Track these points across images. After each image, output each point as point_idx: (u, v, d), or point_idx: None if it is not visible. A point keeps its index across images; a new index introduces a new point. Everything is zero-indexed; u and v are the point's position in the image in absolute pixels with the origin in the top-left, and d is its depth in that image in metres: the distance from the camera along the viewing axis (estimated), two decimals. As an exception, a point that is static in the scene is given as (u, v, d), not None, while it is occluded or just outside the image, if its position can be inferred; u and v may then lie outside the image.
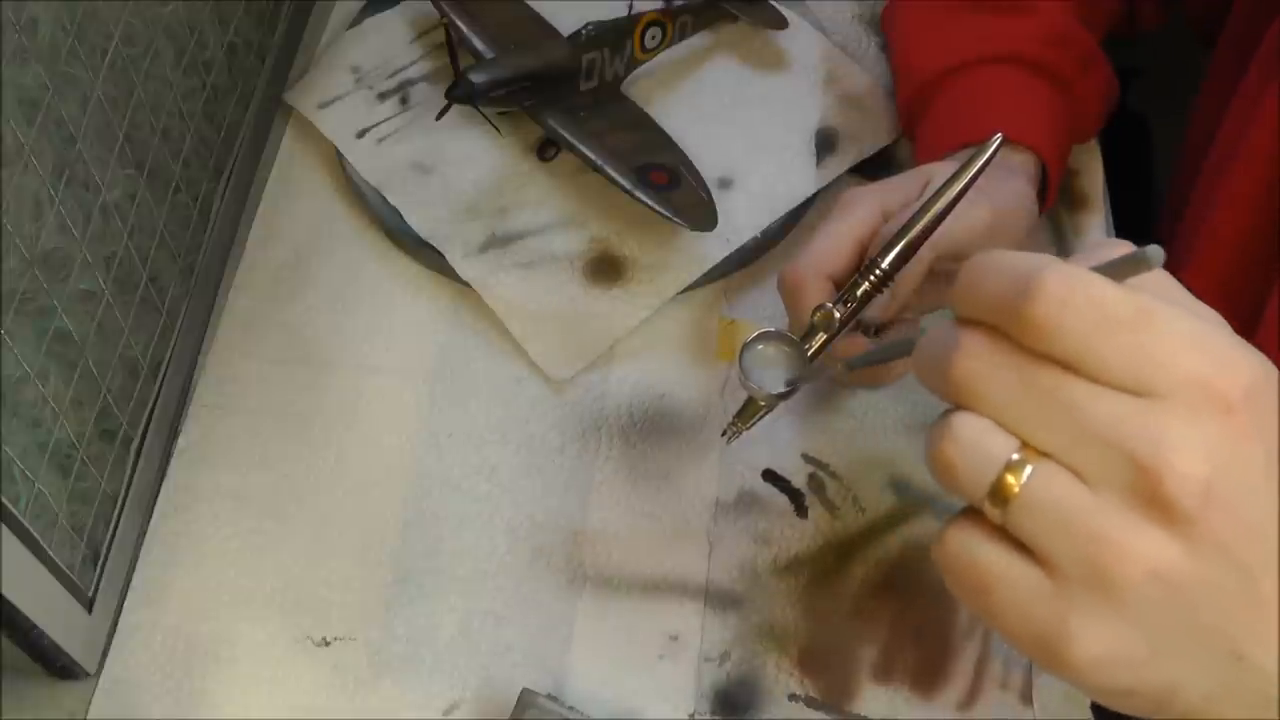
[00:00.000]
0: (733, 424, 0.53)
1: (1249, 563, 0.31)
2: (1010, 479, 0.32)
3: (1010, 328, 0.32)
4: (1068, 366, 0.31)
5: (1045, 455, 0.32)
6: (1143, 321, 0.31)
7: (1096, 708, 0.56)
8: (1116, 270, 0.31)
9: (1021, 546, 0.32)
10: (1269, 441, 0.31)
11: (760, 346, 0.50)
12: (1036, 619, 0.32)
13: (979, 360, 0.32)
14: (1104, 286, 0.31)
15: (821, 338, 0.52)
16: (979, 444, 0.32)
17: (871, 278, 0.51)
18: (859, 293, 0.51)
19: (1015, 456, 0.32)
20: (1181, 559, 0.31)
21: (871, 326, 0.57)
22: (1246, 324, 0.59)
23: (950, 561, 0.34)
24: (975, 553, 0.33)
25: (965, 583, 0.34)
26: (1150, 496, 0.30)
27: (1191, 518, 0.30)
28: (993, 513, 0.32)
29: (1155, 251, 0.30)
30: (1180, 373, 0.30)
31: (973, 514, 0.33)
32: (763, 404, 0.52)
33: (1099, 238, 0.70)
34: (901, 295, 0.54)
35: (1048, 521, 0.32)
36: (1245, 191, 0.60)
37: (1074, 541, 0.31)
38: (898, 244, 0.50)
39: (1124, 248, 0.33)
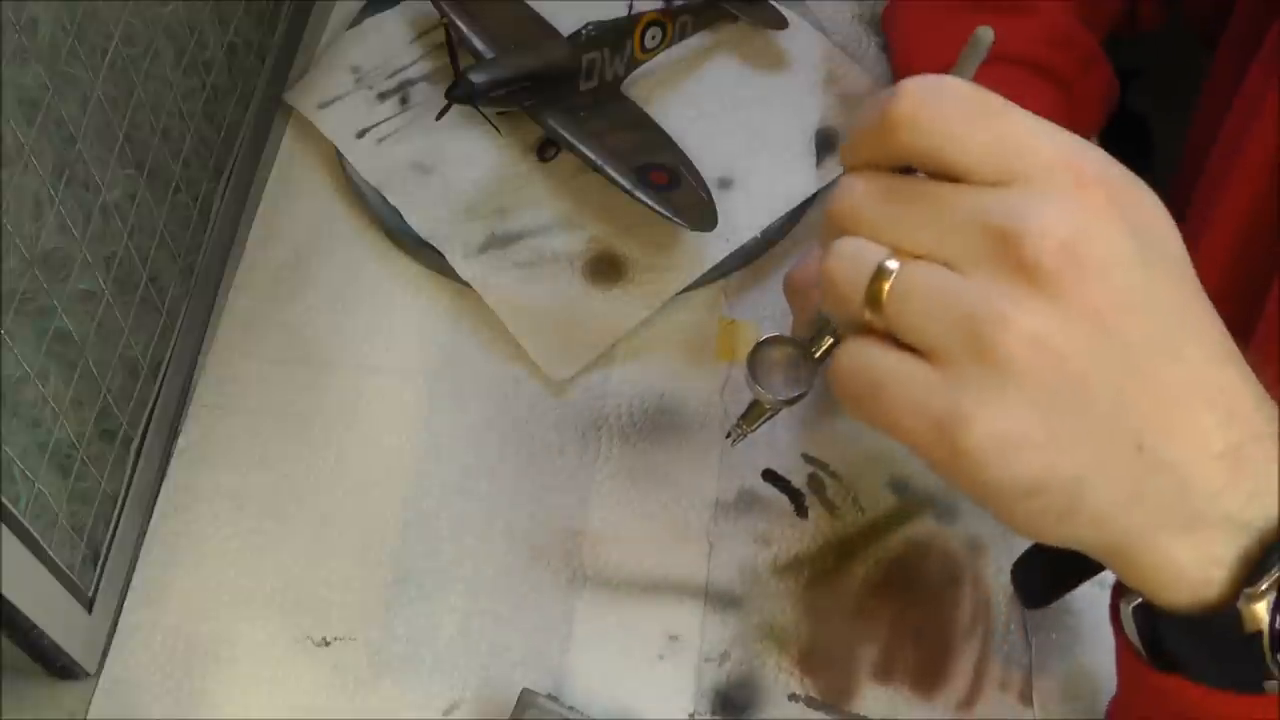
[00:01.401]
0: (737, 426, 0.53)
1: (1128, 337, 0.32)
2: (884, 281, 0.33)
3: (879, 146, 0.34)
4: (932, 170, 0.33)
5: (917, 256, 0.33)
6: (995, 110, 0.33)
7: (1017, 573, 0.54)
8: (962, 68, 0.34)
9: (910, 349, 0.33)
10: (1133, 223, 0.32)
11: (766, 350, 0.50)
12: (930, 409, 0.33)
13: (853, 191, 0.35)
14: (956, 82, 0.33)
15: (829, 341, 0.51)
16: (854, 257, 0.34)
17: None
18: None
19: (889, 262, 0.33)
20: (1058, 324, 0.31)
21: None
22: (1246, 323, 0.59)
23: (843, 376, 0.35)
24: (864, 359, 0.34)
25: (859, 390, 0.35)
26: (1015, 264, 0.31)
27: (1056, 277, 0.31)
28: (874, 320, 0.34)
29: (984, 32, 0.33)
30: (1035, 157, 0.32)
31: (861, 330, 0.35)
32: (769, 408, 0.52)
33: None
34: None
35: (923, 309, 0.33)
36: (1246, 191, 0.60)
37: (951, 322, 0.32)
38: None
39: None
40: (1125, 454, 0.32)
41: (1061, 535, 0.34)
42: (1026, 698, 0.56)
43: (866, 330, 0.34)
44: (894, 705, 0.56)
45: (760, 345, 0.50)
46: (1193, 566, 0.34)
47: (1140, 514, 0.33)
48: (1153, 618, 0.36)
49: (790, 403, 0.51)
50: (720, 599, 0.58)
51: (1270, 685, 0.33)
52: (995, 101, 0.33)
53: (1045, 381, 0.31)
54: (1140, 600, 0.36)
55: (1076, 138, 0.33)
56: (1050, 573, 0.46)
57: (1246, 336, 0.58)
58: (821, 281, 0.35)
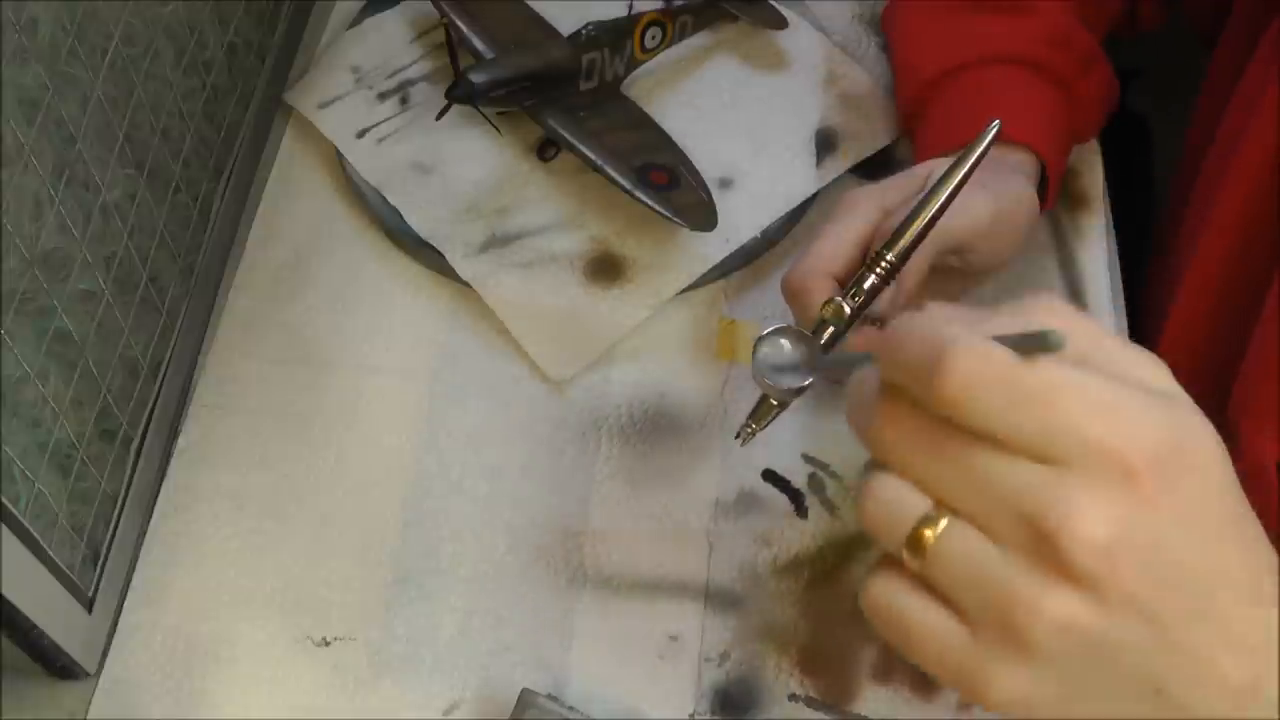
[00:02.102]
0: (747, 425, 0.53)
1: (1161, 614, 0.32)
2: (924, 533, 0.34)
3: (924, 399, 0.33)
4: (979, 435, 0.32)
5: (957, 513, 0.33)
6: (1046, 395, 0.32)
7: None
8: (1023, 347, 0.32)
9: (942, 596, 0.34)
10: (1180, 502, 0.32)
11: (772, 343, 0.50)
12: (955, 664, 0.34)
13: (895, 427, 0.34)
14: (1008, 365, 0.32)
15: (831, 330, 0.52)
16: (895, 503, 0.34)
17: (878, 270, 0.51)
18: (866, 286, 0.51)
19: (930, 513, 0.34)
20: (1090, 614, 0.32)
21: (878, 321, 0.57)
22: (1245, 323, 0.59)
23: (875, 607, 0.36)
24: (896, 601, 0.35)
25: (889, 628, 0.36)
26: (1053, 559, 0.32)
27: (1095, 577, 0.31)
28: (911, 563, 0.34)
29: (1057, 337, 0.31)
30: (1084, 442, 0.31)
31: (895, 562, 0.35)
32: (776, 402, 0.52)
33: (1096, 238, 0.70)
34: (906, 289, 0.54)
35: (960, 576, 0.33)
36: (1245, 191, 0.60)
37: (984, 596, 0.33)
38: (903, 235, 0.50)
39: (1046, 312, 0.34)
40: (1143, 698, 0.33)
41: None
42: None
43: (893, 560, 0.35)
44: (894, 705, 0.56)
45: (764, 338, 0.50)
46: None
47: None
48: None
49: (798, 393, 0.51)
50: (720, 599, 0.58)
51: None
52: (1048, 384, 0.32)
53: (1069, 659, 0.32)
54: None
55: (1133, 409, 0.32)
56: None
57: (1246, 336, 0.59)
58: (860, 515, 0.35)
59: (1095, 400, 0.32)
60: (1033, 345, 0.32)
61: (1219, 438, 0.33)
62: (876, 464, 0.35)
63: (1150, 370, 0.34)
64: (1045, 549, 0.32)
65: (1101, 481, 0.31)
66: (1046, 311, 0.34)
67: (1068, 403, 0.32)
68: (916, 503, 0.34)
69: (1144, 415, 0.32)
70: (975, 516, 0.33)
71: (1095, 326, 0.34)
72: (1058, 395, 0.32)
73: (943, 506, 0.34)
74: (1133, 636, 0.32)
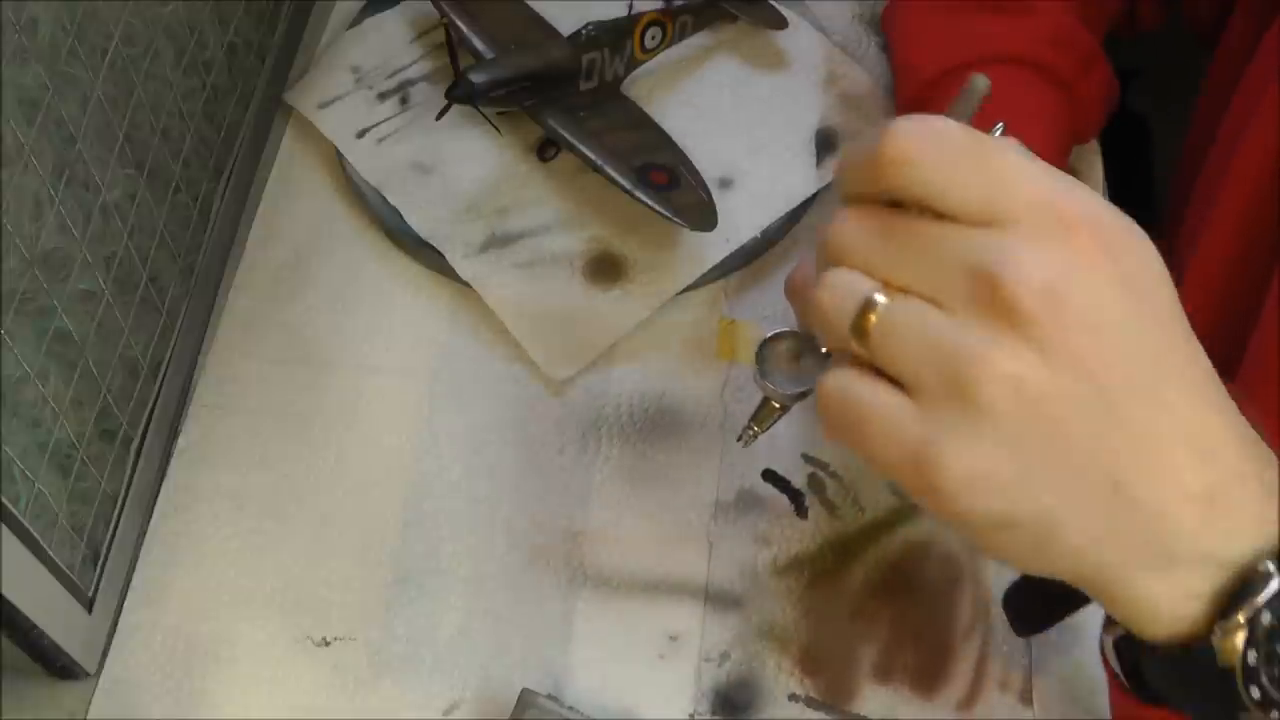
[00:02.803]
0: (749, 427, 0.53)
1: (1108, 382, 0.32)
2: (870, 314, 0.34)
3: (871, 181, 0.34)
4: (923, 208, 0.33)
5: (905, 291, 0.34)
6: (985, 151, 0.33)
7: (1009, 600, 0.55)
8: (956, 111, 0.35)
9: (893, 381, 0.34)
10: (1120, 268, 0.32)
11: (775, 346, 0.50)
12: (906, 442, 0.33)
13: (846, 224, 0.35)
14: (948, 126, 0.33)
15: None
16: (843, 287, 0.35)
17: None
18: None
19: (876, 295, 0.34)
20: (1037, 368, 0.32)
21: None
22: (1245, 323, 0.59)
23: (828, 401, 0.36)
24: (848, 388, 0.35)
25: (841, 417, 0.35)
26: (996, 306, 0.32)
27: (1036, 320, 0.31)
28: (859, 349, 0.34)
29: (979, 79, 0.34)
30: (1023, 197, 0.32)
31: (849, 358, 0.35)
32: (778, 404, 0.52)
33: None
34: None
35: (906, 345, 0.33)
36: (1246, 192, 0.60)
37: (932, 359, 0.33)
38: None
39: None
40: (1100, 493, 0.33)
41: (1038, 567, 0.35)
42: (1026, 698, 0.56)
43: (852, 358, 0.35)
44: (894, 705, 0.56)
45: (767, 341, 0.50)
46: (1169, 602, 0.34)
47: (1115, 551, 0.33)
48: (1136, 649, 0.36)
49: (799, 398, 0.51)
50: (720, 599, 0.58)
51: (1244, 718, 0.33)
52: (985, 143, 0.33)
53: (1021, 423, 0.32)
54: (1123, 632, 0.36)
55: (1068, 179, 0.33)
56: (1041, 601, 0.46)
57: (1246, 336, 0.58)
58: (813, 309, 0.35)
59: (1031, 164, 0.33)
60: (964, 103, 0.35)
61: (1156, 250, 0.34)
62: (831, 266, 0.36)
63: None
64: (988, 297, 0.32)
65: (1042, 233, 0.32)
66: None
67: (1005, 161, 0.33)
68: (864, 284, 0.34)
69: (1082, 191, 0.33)
70: (921, 286, 0.33)
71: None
72: (994, 152, 0.33)
73: (890, 287, 0.34)
74: (1081, 401, 0.32)
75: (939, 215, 0.33)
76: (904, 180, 0.33)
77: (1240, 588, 0.33)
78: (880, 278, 0.34)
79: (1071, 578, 0.35)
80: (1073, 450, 0.32)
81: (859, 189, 0.35)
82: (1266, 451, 0.34)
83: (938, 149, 0.33)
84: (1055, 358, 0.32)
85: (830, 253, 0.35)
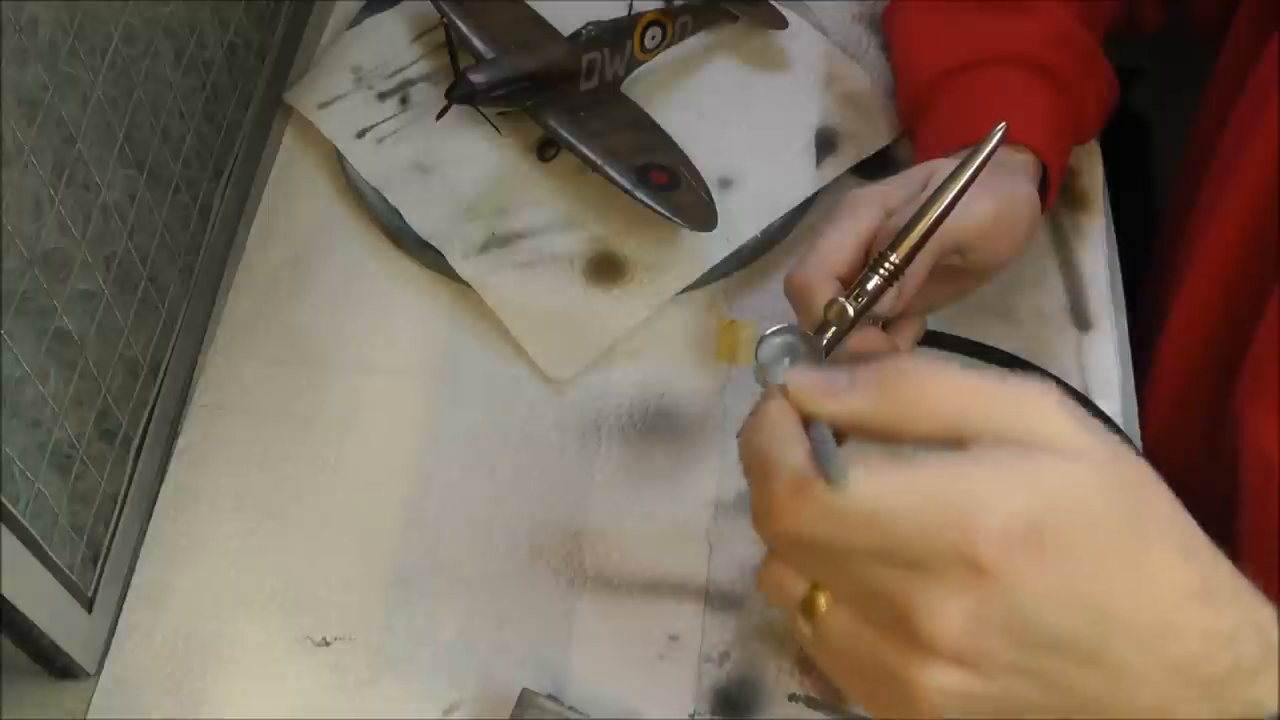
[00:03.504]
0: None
1: (1048, 672, 0.33)
2: (811, 606, 0.36)
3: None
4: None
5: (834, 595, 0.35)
6: (872, 519, 0.33)
7: None
8: (820, 466, 0.34)
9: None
10: (1044, 570, 0.32)
11: (775, 341, 0.50)
12: (866, 698, 0.37)
13: (775, 524, 0.35)
14: (827, 502, 0.33)
15: (834, 331, 0.51)
16: (779, 585, 0.36)
17: (882, 271, 0.51)
18: (869, 287, 0.51)
19: (809, 596, 0.36)
20: (971, 683, 0.33)
21: (880, 321, 0.57)
22: (1246, 325, 0.59)
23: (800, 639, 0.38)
24: (808, 643, 0.37)
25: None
26: (925, 648, 0.33)
27: (966, 659, 0.33)
28: (805, 630, 0.36)
29: (839, 470, 0.33)
30: (927, 549, 0.32)
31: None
32: None
33: (1096, 238, 0.70)
34: (908, 290, 0.54)
35: (843, 649, 0.36)
36: (1250, 192, 0.60)
37: (869, 667, 0.35)
38: (907, 237, 0.50)
39: (896, 375, 0.35)
40: None
41: None
42: None
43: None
44: (894, 705, 0.56)
45: (766, 337, 0.50)
46: None
47: None
48: None
49: None
50: (720, 599, 0.58)
51: None
52: (874, 514, 0.33)
53: (967, 713, 0.34)
54: None
55: (978, 491, 0.32)
56: None
57: (1246, 337, 0.58)
58: (756, 586, 0.38)
59: (930, 507, 0.32)
60: (826, 472, 0.33)
61: (1103, 475, 0.33)
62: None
63: (1034, 418, 0.34)
64: (915, 641, 0.33)
65: (953, 577, 0.32)
66: (898, 381, 0.35)
67: (901, 521, 0.32)
68: (797, 585, 0.36)
69: (986, 505, 0.32)
70: (850, 605, 0.35)
71: (964, 382, 0.35)
72: (886, 516, 0.33)
73: (821, 588, 0.35)
74: (1027, 693, 0.33)
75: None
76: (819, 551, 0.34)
77: None
78: (810, 579, 0.36)
79: None
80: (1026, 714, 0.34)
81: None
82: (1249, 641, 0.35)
83: (830, 528, 0.33)
84: (991, 673, 0.33)
85: (765, 542, 0.37)
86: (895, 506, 0.33)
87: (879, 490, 0.33)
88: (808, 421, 0.36)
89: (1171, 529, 0.34)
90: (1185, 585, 0.34)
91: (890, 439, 0.35)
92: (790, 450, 0.35)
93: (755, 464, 0.36)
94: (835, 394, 0.35)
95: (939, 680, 0.33)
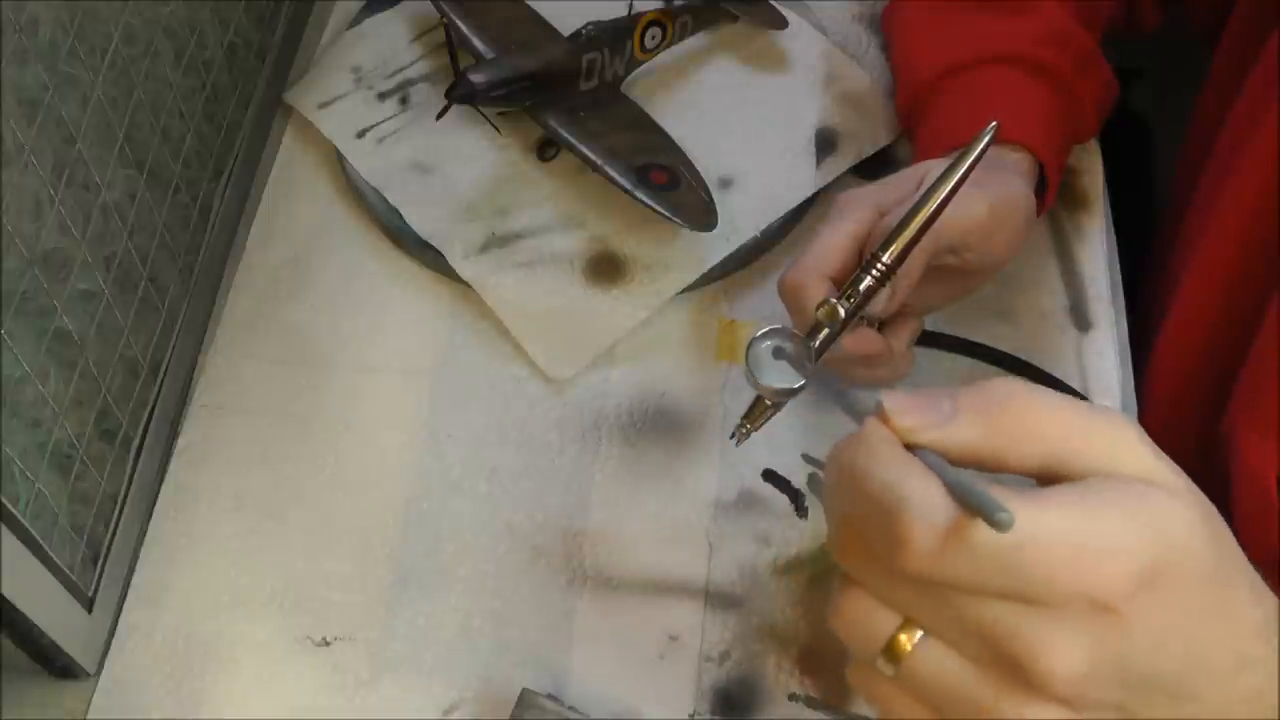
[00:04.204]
0: (741, 425, 0.53)
1: (1143, 705, 0.33)
2: (897, 648, 0.34)
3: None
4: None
5: (928, 631, 0.34)
6: (1010, 558, 0.32)
7: None
8: (975, 508, 0.32)
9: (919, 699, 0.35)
10: (1156, 617, 0.32)
11: (766, 344, 0.50)
12: None
13: (860, 558, 0.35)
14: (962, 541, 0.32)
15: (826, 332, 0.51)
16: (865, 621, 0.35)
17: (874, 272, 0.51)
18: (861, 288, 0.51)
19: (900, 633, 0.34)
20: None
21: (875, 322, 0.57)
22: (1246, 326, 0.59)
23: (858, 687, 0.37)
24: (879, 692, 0.36)
25: (873, 705, 0.37)
26: (1026, 683, 0.32)
27: (1070, 701, 0.32)
28: (886, 671, 0.35)
29: (1007, 518, 0.31)
30: (1053, 589, 0.32)
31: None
32: (770, 402, 0.52)
33: (1096, 238, 0.70)
34: (902, 290, 0.54)
35: (934, 691, 0.34)
36: (1249, 193, 0.60)
37: (960, 708, 0.34)
38: (898, 237, 0.50)
39: (1001, 410, 0.34)
40: None
41: None
42: None
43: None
44: (894, 705, 0.56)
45: (757, 339, 0.50)
46: None
47: None
48: None
49: (792, 394, 0.51)
50: (720, 599, 0.58)
51: None
52: (1008, 547, 0.31)
53: None
54: None
55: (1107, 538, 0.32)
56: None
57: (1247, 338, 0.58)
58: (832, 622, 0.36)
59: (1062, 548, 0.32)
60: (986, 514, 0.31)
61: (1197, 512, 0.33)
62: (845, 575, 0.36)
63: (1124, 449, 0.34)
64: (1020, 677, 0.32)
65: (1073, 616, 0.32)
66: (1001, 408, 0.34)
67: (1033, 561, 0.32)
68: (887, 620, 0.35)
69: (1115, 546, 0.32)
70: (947, 640, 0.34)
71: (1062, 412, 0.34)
72: (1022, 556, 0.32)
73: (913, 623, 0.34)
74: None
75: None
76: (925, 586, 0.33)
77: None
78: (901, 614, 0.35)
79: None
80: None
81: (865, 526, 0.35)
82: None
83: (961, 564, 0.32)
84: (1086, 712, 0.33)
85: (849, 572, 0.35)
86: (1032, 546, 0.32)
87: (1023, 533, 0.31)
88: (910, 447, 0.34)
89: (1242, 563, 0.35)
90: (1257, 620, 0.34)
91: (992, 468, 0.34)
92: (924, 486, 0.33)
93: (877, 497, 0.33)
94: (942, 422, 0.34)
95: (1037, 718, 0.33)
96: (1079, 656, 0.32)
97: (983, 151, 0.48)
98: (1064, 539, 0.32)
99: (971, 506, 0.31)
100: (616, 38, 0.69)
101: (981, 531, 0.31)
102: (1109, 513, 0.32)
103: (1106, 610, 0.32)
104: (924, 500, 0.32)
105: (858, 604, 0.35)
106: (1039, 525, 0.32)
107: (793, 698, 0.56)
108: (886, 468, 0.34)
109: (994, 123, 0.48)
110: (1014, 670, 0.32)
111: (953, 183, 0.49)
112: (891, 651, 0.34)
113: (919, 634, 0.34)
